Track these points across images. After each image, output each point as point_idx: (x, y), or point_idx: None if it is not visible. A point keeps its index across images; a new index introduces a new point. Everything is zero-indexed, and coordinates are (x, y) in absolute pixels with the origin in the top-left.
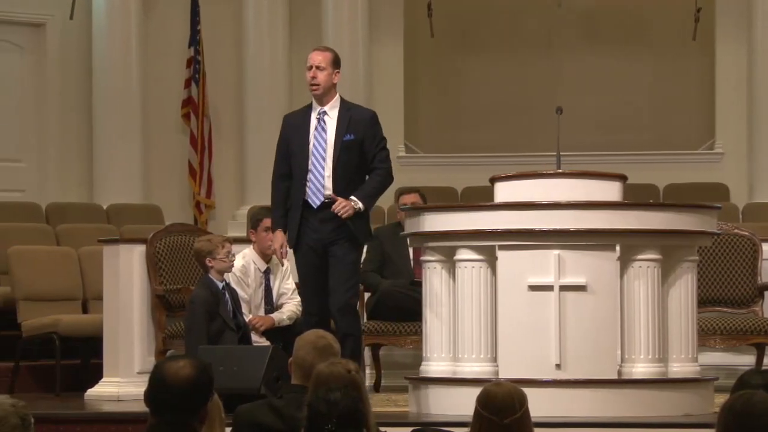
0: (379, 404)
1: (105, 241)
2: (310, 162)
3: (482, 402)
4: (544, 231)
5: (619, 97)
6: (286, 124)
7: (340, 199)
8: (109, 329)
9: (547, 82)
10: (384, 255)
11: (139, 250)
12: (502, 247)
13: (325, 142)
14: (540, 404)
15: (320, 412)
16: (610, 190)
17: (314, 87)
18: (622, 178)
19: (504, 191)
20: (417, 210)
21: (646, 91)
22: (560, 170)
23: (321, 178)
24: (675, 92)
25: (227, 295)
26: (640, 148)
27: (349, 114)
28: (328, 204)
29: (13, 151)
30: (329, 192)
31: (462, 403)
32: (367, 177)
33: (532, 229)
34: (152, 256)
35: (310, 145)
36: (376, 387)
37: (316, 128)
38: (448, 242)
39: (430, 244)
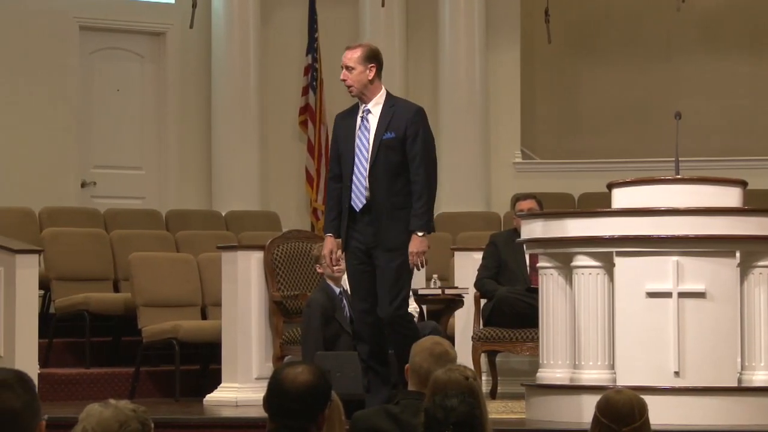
0: (495, 411)
1: (223, 248)
2: (355, 163)
3: (602, 409)
4: (663, 237)
5: (739, 102)
6: (336, 124)
7: (411, 255)
8: (227, 335)
9: (666, 87)
10: (500, 261)
11: (257, 256)
12: (619, 254)
13: (368, 141)
14: (658, 412)
15: (437, 419)
16: (730, 196)
17: (348, 89)
18: (742, 183)
19: (622, 197)
20: (534, 216)
21: (767, 96)
22: (679, 176)
23: (363, 180)
24: None
25: (344, 301)
26: (760, 153)
27: (392, 111)
28: (370, 207)
29: (133, 158)
30: (369, 194)
31: (579, 410)
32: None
33: (650, 235)
34: (270, 263)
35: (355, 146)
36: (493, 394)
37: (359, 128)
38: (565, 249)
39: (547, 251)
